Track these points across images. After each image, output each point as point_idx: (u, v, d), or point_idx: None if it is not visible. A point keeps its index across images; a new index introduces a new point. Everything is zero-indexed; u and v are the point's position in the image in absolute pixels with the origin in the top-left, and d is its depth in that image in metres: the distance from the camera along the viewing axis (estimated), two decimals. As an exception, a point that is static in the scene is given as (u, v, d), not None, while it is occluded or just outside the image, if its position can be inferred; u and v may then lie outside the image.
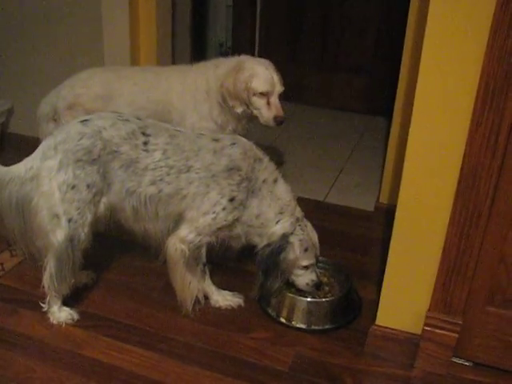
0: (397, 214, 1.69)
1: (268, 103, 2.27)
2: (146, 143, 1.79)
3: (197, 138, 1.86)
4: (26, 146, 3.32)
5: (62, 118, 2.37)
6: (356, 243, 2.52)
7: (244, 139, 1.93)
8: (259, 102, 2.27)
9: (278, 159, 3.37)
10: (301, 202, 2.51)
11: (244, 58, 2.35)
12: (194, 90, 2.34)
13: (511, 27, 1.35)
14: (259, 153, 1.92)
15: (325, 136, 3.84)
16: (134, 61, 3.04)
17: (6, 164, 2.70)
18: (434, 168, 1.58)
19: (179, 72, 2.41)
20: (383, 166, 2.80)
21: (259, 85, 2.24)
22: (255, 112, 2.29)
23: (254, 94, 2.25)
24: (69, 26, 3.15)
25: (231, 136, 1.94)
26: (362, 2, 4.06)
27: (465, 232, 1.59)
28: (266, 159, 1.92)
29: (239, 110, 2.28)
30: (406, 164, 1.62)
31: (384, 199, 2.76)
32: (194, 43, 4.03)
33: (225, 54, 4.76)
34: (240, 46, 4.60)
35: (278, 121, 2.29)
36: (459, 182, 1.55)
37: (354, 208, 2.83)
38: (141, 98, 2.36)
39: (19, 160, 3.07)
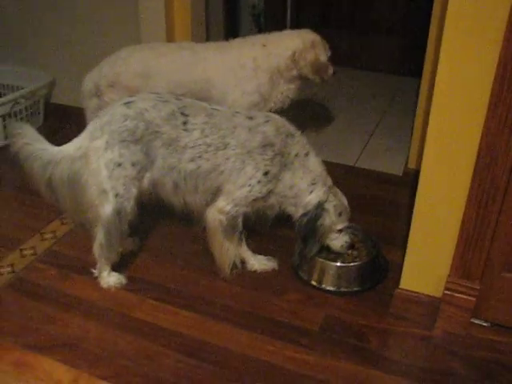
0: (420, 182, 1.79)
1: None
2: (185, 123, 1.92)
3: (232, 117, 1.98)
4: (67, 116, 3.55)
5: (105, 94, 2.51)
6: (384, 208, 2.63)
7: (277, 116, 2.05)
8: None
9: (312, 123, 3.48)
10: (332, 167, 2.66)
11: (293, 33, 2.59)
12: (239, 68, 2.47)
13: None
14: (291, 128, 2.03)
15: (356, 97, 3.93)
16: (169, 23, 3.13)
17: (51, 133, 2.92)
18: (455, 140, 1.67)
19: (218, 50, 2.52)
20: (412, 130, 2.88)
21: (328, 51, 2.61)
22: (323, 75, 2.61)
23: None
24: (107, 7, 3.29)
25: (265, 113, 2.06)
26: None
27: (482, 205, 1.69)
28: (298, 134, 2.04)
29: (318, 80, 2.61)
30: (428, 135, 1.71)
31: (412, 164, 2.85)
32: (226, 5, 4.08)
33: (257, 16, 4.83)
34: (271, 8, 4.66)
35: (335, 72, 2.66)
36: (477, 159, 1.64)
37: (383, 172, 2.94)
38: (179, 76, 2.47)
39: (62, 128, 3.29)
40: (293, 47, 2.50)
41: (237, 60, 2.49)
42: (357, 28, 4.43)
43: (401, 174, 2.89)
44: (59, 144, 2.03)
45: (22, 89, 3.40)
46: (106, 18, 3.34)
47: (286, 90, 2.56)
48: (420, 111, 2.74)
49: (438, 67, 1.62)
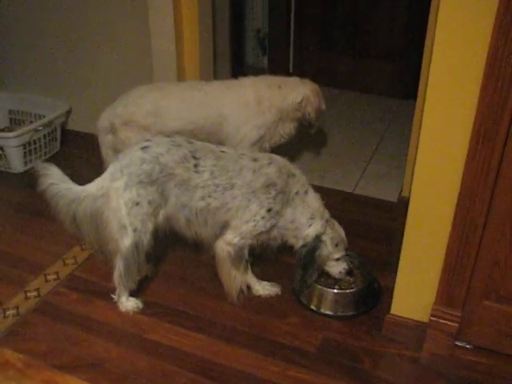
0: (408, 216, 1.99)
1: None
2: (196, 165, 2.13)
3: (239, 159, 2.18)
4: (82, 141, 3.77)
5: (119, 132, 2.72)
6: (379, 234, 2.82)
7: (279, 158, 2.25)
8: None
9: (312, 149, 3.68)
10: (331, 193, 2.88)
11: (301, 81, 2.88)
12: (254, 105, 2.72)
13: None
14: (292, 168, 2.24)
15: (356, 120, 4.11)
16: (179, 53, 3.34)
17: (68, 159, 3.15)
18: (439, 181, 1.86)
19: (230, 89, 2.75)
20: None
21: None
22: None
23: None
24: (121, 41, 3.50)
25: (268, 156, 2.26)
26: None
27: (463, 240, 1.88)
28: (298, 173, 2.24)
29: (315, 124, 2.92)
30: (415, 174, 1.90)
31: (406, 192, 3.02)
32: (232, 30, 4.28)
33: (262, 40, 5.04)
34: (276, 32, 4.86)
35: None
36: (458, 201, 1.84)
37: (379, 199, 3.13)
38: (188, 114, 2.68)
39: (78, 154, 3.51)
40: (303, 93, 2.79)
41: (252, 97, 2.73)
42: (357, 52, 4.62)
43: (396, 201, 3.08)
44: (76, 170, 2.26)
45: (40, 116, 3.64)
46: (120, 55, 3.54)
47: (288, 128, 2.82)
48: (414, 139, 2.90)
49: (424, 108, 1.79)
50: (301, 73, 4.75)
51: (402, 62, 4.41)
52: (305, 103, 2.80)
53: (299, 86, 2.82)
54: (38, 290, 2.44)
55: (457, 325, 2.03)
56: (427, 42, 2.67)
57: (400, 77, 4.45)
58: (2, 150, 3.33)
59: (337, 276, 2.34)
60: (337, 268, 2.32)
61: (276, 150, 2.74)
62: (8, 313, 2.30)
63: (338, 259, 2.30)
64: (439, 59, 1.71)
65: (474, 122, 1.70)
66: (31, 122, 3.61)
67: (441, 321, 2.04)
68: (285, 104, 2.76)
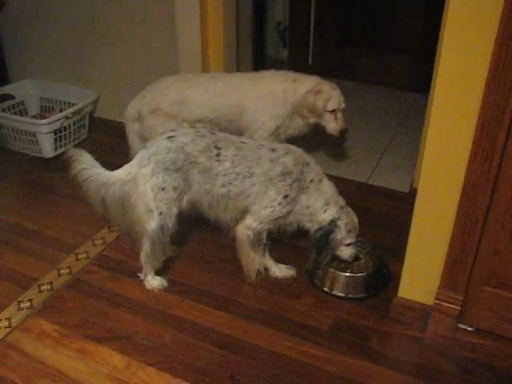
0: (415, 208, 2.13)
1: (335, 118, 2.85)
2: (218, 155, 2.29)
3: (258, 149, 2.33)
4: (110, 129, 3.95)
5: (146, 120, 2.91)
6: (391, 223, 2.96)
7: (295, 148, 2.39)
8: (329, 117, 2.87)
9: (329, 140, 3.81)
10: (346, 183, 3.02)
11: (319, 80, 2.88)
12: (270, 96, 2.85)
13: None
14: (307, 158, 2.39)
15: (372, 113, 4.23)
16: (204, 44, 3.49)
17: (96, 145, 3.34)
18: (445, 175, 1.99)
19: (251, 80, 2.90)
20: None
21: (332, 104, 2.85)
22: (324, 123, 2.88)
23: (327, 111, 2.82)
24: (147, 32, 3.65)
25: (285, 146, 2.41)
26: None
27: (466, 231, 2.02)
28: (313, 163, 2.39)
29: (312, 120, 2.88)
30: (423, 168, 2.04)
31: (417, 184, 3.14)
32: (254, 22, 4.40)
33: (282, 32, 5.15)
34: (296, 25, 4.96)
35: (343, 131, 2.91)
36: (462, 194, 1.98)
37: (392, 190, 3.26)
38: (211, 103, 2.85)
39: (106, 141, 3.70)
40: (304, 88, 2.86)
41: (270, 90, 2.87)
42: (376, 46, 4.72)
43: (407, 192, 3.22)
44: (103, 156, 2.43)
45: (69, 104, 3.81)
46: (146, 47, 3.71)
47: (301, 122, 2.94)
48: (425, 133, 3.01)
49: (433, 106, 1.93)
50: (320, 66, 4.91)
51: (418, 56, 4.50)
52: (303, 98, 2.84)
53: (310, 82, 2.87)
54: (69, 267, 2.63)
55: (459, 308, 2.17)
56: (440, 39, 2.79)
57: (417, 71, 4.55)
58: (34, 136, 3.51)
59: (346, 259, 2.48)
60: (347, 252, 2.46)
61: (293, 141, 2.87)
62: (43, 288, 2.49)
63: (348, 244, 2.45)
64: (447, 60, 1.83)
65: (478, 120, 1.83)
66: (61, 110, 3.79)
67: (444, 304, 2.18)
68: (295, 98, 2.86)
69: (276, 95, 2.87)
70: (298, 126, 2.96)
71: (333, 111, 2.86)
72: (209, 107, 2.86)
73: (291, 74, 2.94)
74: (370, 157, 3.64)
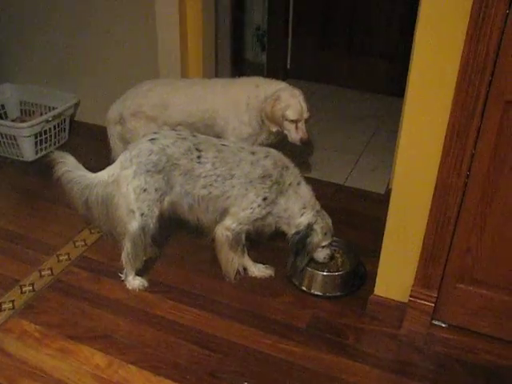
0: (389, 207, 2.21)
1: (296, 127, 2.82)
2: (199, 157, 2.33)
3: (238, 152, 2.38)
4: (90, 132, 3.96)
5: (128, 122, 2.95)
6: (367, 223, 3.01)
7: (275, 151, 2.45)
8: (290, 126, 2.83)
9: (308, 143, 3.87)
10: (323, 185, 3.08)
11: (281, 86, 2.84)
12: (236, 102, 2.87)
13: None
14: (287, 161, 2.44)
15: (349, 116, 4.30)
16: (183, 47, 3.53)
17: (76, 149, 3.36)
18: (417, 177, 2.06)
19: (223, 86, 2.93)
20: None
21: (291, 114, 2.78)
22: (286, 132, 2.85)
23: (287, 120, 2.79)
24: (127, 36, 3.68)
25: (265, 149, 2.46)
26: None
27: (438, 230, 2.09)
28: (292, 166, 2.45)
29: (274, 129, 2.85)
30: (396, 167, 2.11)
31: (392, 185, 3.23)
32: (233, 26, 4.45)
33: (261, 36, 5.21)
34: (274, 29, 5.02)
35: (303, 141, 2.86)
36: (434, 193, 2.05)
37: (368, 191, 3.33)
38: (190, 107, 2.90)
39: (85, 143, 3.72)
40: (263, 94, 2.82)
41: (236, 95, 2.89)
42: (353, 51, 4.79)
43: (383, 193, 3.29)
44: (84, 159, 2.44)
45: (49, 108, 3.82)
46: (126, 51, 3.73)
47: (273, 128, 2.87)
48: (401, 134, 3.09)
49: (405, 106, 2.00)
50: (298, 70, 4.97)
51: (396, 61, 4.58)
52: (263, 104, 2.79)
53: (272, 88, 2.82)
54: (51, 269, 2.65)
55: (433, 305, 2.23)
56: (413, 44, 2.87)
57: (394, 75, 4.62)
58: (15, 140, 3.52)
59: (322, 260, 2.55)
60: (322, 254, 2.53)
61: (273, 144, 2.90)
62: (24, 289, 2.51)
63: (323, 246, 2.51)
64: (418, 62, 1.89)
65: (449, 120, 1.90)
66: (41, 114, 3.80)
67: (418, 301, 2.25)
68: (257, 105, 2.84)
69: (240, 101, 2.88)
70: (269, 132, 2.90)
71: (293, 121, 2.79)
72: (187, 112, 2.91)
73: (257, 80, 2.93)
74: (347, 159, 3.70)
